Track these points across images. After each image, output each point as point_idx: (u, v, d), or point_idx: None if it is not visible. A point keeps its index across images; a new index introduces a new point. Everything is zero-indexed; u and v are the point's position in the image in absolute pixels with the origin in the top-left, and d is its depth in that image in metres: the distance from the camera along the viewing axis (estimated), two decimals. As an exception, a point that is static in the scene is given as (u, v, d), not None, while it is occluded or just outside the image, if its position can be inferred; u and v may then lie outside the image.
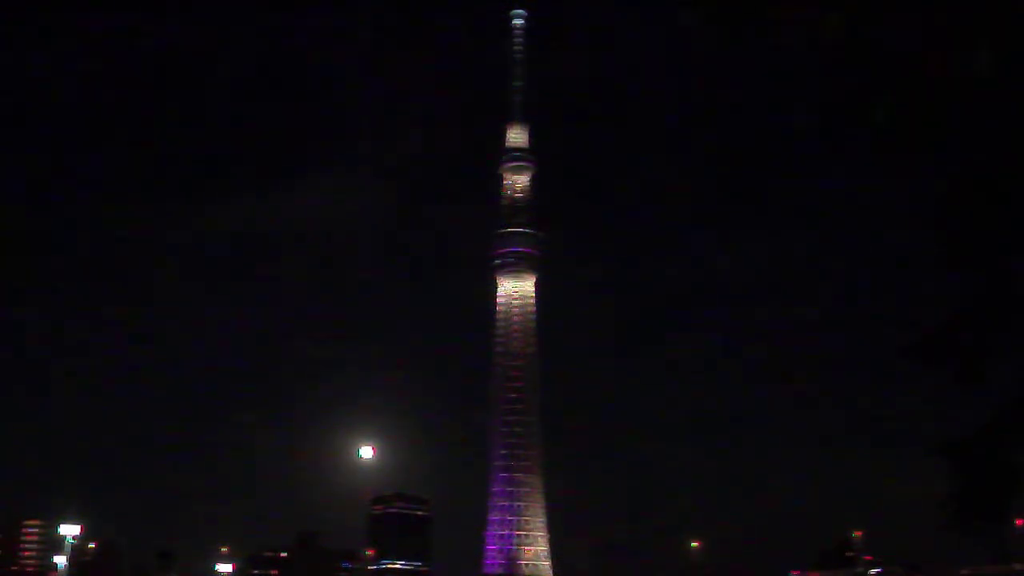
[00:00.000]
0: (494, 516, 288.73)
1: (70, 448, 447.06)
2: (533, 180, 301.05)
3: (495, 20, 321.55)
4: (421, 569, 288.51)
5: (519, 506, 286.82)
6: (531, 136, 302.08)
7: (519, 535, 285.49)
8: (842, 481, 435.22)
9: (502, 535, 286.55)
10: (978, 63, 9.96)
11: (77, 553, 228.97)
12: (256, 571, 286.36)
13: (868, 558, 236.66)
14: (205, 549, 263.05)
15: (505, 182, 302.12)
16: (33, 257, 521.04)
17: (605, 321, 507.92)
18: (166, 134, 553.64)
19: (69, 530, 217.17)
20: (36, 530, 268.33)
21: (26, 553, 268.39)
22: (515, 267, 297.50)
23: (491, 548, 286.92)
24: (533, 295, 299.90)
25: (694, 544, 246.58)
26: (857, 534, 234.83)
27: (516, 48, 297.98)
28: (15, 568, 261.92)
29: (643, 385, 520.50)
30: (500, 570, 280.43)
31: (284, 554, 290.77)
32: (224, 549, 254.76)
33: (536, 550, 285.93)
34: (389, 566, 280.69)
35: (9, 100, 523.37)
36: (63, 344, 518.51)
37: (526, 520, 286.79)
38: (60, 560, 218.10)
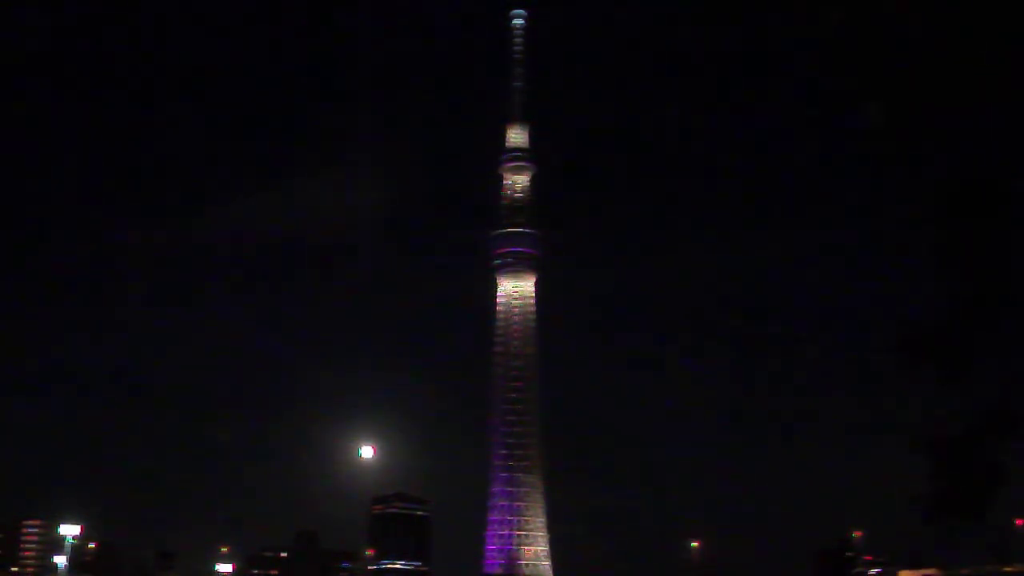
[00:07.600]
0: (494, 516, 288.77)
1: (70, 448, 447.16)
2: (533, 180, 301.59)
3: (495, 20, 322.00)
4: (421, 569, 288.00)
5: (519, 506, 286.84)
6: (531, 136, 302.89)
7: (519, 535, 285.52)
8: (842, 481, 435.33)
9: (502, 535, 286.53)
10: (977, 65, 9.99)
11: (77, 553, 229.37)
12: (256, 571, 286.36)
13: (868, 558, 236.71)
14: (205, 549, 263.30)
15: (505, 182, 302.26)
16: (33, 257, 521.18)
17: (605, 321, 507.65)
18: (166, 135, 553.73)
19: (69, 530, 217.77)
20: (36, 530, 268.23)
21: (26, 553, 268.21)
22: (515, 267, 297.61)
23: (491, 548, 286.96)
24: (533, 295, 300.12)
25: (694, 544, 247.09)
26: (857, 534, 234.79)
27: (516, 48, 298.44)
28: (15, 568, 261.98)
29: (643, 385, 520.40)
30: (500, 570, 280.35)
31: (284, 554, 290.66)
32: (224, 549, 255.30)
33: (536, 550, 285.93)
34: (389, 566, 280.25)
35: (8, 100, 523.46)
36: (63, 344, 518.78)
37: (526, 520, 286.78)
38: (60, 560, 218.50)
